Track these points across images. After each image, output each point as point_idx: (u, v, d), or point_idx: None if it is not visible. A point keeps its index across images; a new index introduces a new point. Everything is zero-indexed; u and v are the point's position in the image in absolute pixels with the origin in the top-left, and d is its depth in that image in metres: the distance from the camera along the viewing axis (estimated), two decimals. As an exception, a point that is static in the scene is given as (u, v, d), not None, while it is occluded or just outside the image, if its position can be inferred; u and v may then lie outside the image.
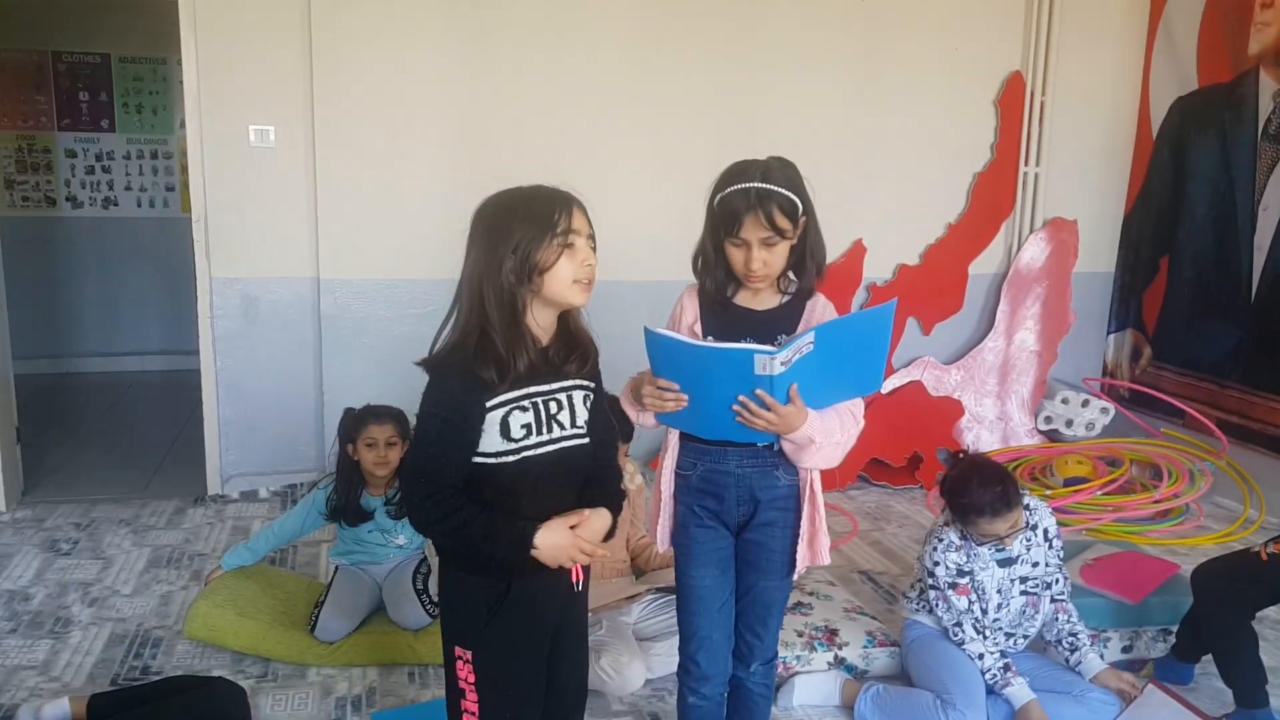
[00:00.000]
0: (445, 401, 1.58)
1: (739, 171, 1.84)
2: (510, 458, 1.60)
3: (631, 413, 1.88)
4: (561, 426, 1.65)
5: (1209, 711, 2.45)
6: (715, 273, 1.88)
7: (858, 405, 1.88)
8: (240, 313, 3.90)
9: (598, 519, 1.66)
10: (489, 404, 1.57)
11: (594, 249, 1.64)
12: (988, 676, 2.41)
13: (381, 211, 3.90)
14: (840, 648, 2.69)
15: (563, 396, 1.66)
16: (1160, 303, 4.62)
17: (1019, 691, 2.39)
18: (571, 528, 1.61)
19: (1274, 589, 2.41)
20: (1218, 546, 3.75)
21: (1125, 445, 4.35)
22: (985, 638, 2.46)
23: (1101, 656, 2.61)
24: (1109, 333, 4.88)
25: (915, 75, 4.29)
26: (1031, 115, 4.44)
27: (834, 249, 4.17)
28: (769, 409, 1.71)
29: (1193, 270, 4.43)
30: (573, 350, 1.68)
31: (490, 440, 1.59)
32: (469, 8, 3.84)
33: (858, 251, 4.36)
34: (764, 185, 1.79)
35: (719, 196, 1.84)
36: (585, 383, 1.71)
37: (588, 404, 1.71)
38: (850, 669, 2.68)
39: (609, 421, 1.77)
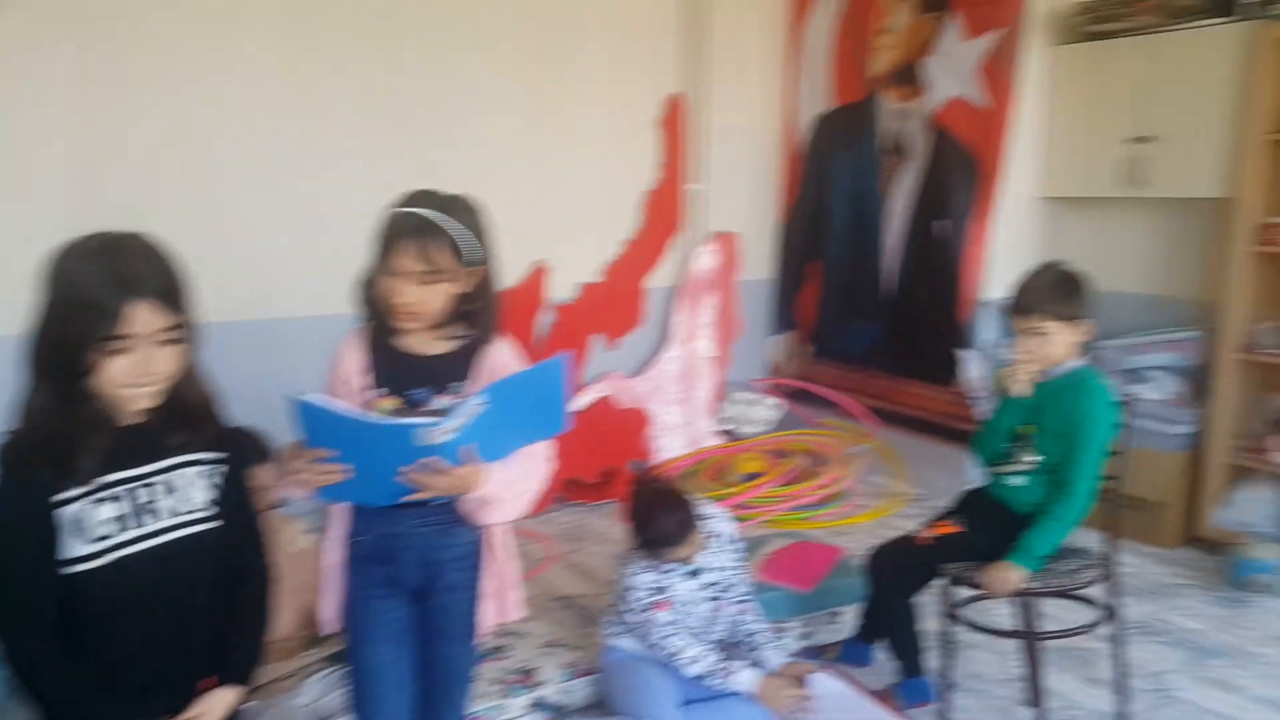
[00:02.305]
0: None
1: (414, 198, 1.72)
2: (97, 561, 1.35)
3: (284, 488, 1.70)
4: (159, 516, 1.40)
5: (877, 685, 2.70)
6: (376, 304, 1.75)
7: (545, 448, 1.81)
8: None
9: (218, 704, 1.44)
10: (55, 499, 1.32)
11: (179, 341, 1.37)
12: (710, 677, 2.42)
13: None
14: (538, 687, 2.66)
15: (164, 479, 1.42)
16: (814, 304, 5.05)
17: (747, 677, 2.41)
18: None
19: (932, 570, 2.61)
20: (875, 523, 4.15)
21: (792, 437, 4.72)
22: (691, 648, 2.54)
23: (783, 650, 2.78)
24: (772, 334, 5.27)
25: (583, 98, 4.38)
26: (691, 135, 4.68)
27: (515, 272, 4.28)
28: (441, 474, 1.61)
29: (838, 273, 4.89)
30: (178, 418, 1.43)
31: (71, 544, 1.34)
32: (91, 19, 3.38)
33: (539, 273, 4.39)
34: (434, 215, 1.68)
35: (384, 217, 1.71)
36: (201, 456, 1.48)
37: (214, 480, 1.49)
38: (550, 708, 2.66)
39: (246, 500, 1.56)
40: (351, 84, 3.82)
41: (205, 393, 1.49)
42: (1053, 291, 2.35)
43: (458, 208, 1.72)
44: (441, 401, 1.77)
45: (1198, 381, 3.77)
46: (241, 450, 1.59)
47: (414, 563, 1.80)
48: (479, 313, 1.78)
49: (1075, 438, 2.34)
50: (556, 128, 4.34)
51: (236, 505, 1.52)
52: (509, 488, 1.73)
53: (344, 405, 1.66)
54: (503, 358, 1.82)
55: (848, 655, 2.92)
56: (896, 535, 2.80)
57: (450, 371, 1.79)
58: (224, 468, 1.50)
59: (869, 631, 2.88)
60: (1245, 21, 3.43)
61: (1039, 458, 2.43)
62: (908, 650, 2.69)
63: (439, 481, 1.61)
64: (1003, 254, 4.16)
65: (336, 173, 3.81)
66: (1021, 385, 2.41)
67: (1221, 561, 3.48)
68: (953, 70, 4.15)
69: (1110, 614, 2.51)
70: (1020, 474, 2.47)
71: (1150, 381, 3.83)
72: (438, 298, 1.71)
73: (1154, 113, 3.74)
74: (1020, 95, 3.97)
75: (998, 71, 3.98)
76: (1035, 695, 2.46)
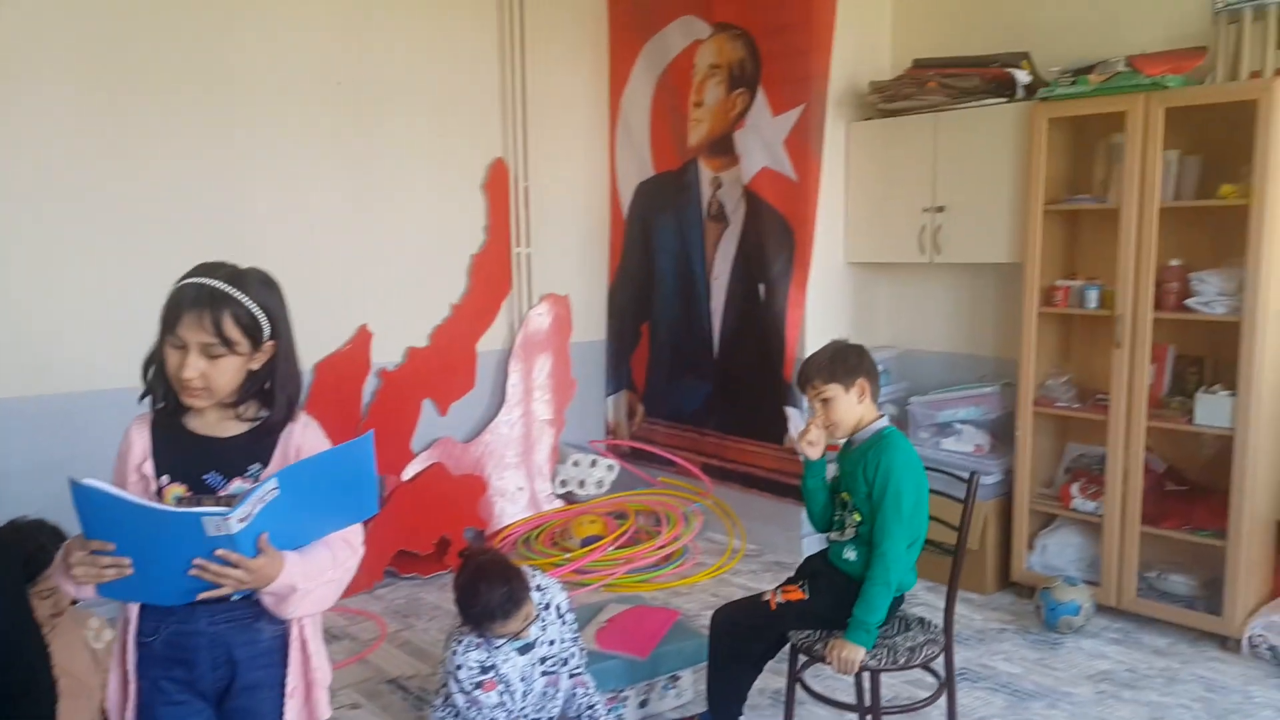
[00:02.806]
0: None
1: (204, 268, 1.65)
2: None
3: (66, 585, 1.58)
4: None
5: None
6: (164, 381, 1.66)
7: (354, 533, 1.75)
8: None
9: None
10: None
11: None
12: None
13: None
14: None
15: None
16: (646, 364, 5.13)
17: None
18: None
19: (782, 635, 2.64)
20: (715, 580, 4.22)
21: (629, 498, 4.74)
22: None
23: (620, 718, 2.77)
24: (607, 395, 5.31)
25: (407, 162, 4.34)
26: (517, 200, 4.71)
27: (339, 336, 4.16)
28: (235, 565, 1.53)
29: (668, 334, 4.99)
30: None
31: None
32: None
33: (364, 337, 4.28)
34: (222, 286, 1.61)
35: (173, 288, 1.64)
36: None
37: None
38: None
39: (14, 605, 1.45)
40: (159, 147, 3.66)
41: None
42: (829, 360, 2.55)
43: (248, 279, 1.66)
44: (235, 487, 1.69)
45: (1002, 433, 4.03)
46: (17, 548, 1.46)
47: (211, 663, 1.69)
48: (274, 390, 1.71)
49: (880, 500, 2.45)
50: (380, 191, 4.28)
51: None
52: (313, 577, 1.65)
53: (124, 492, 1.55)
54: (303, 438, 1.75)
55: None
56: (741, 596, 2.82)
57: (245, 454, 1.71)
58: None
59: (716, 707, 2.79)
60: (1022, 102, 3.76)
61: (858, 520, 2.53)
62: (725, 702, 2.70)
63: (233, 574, 1.53)
64: (818, 316, 4.36)
65: (141, 240, 3.63)
66: (812, 449, 2.60)
67: (1034, 604, 3.69)
68: (762, 143, 4.35)
69: (947, 685, 2.61)
70: (850, 541, 2.56)
71: (958, 434, 4.06)
72: (226, 373, 1.64)
73: (945, 185, 4.01)
74: (824, 167, 4.20)
75: (803, 145, 4.20)
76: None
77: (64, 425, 3.44)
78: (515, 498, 4.72)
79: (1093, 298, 3.61)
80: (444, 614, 3.90)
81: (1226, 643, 3.40)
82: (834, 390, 2.52)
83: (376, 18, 4.19)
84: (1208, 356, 3.50)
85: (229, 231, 3.80)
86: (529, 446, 4.81)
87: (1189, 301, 3.36)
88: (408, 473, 4.37)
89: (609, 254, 5.21)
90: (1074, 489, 3.74)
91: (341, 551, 1.72)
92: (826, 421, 2.56)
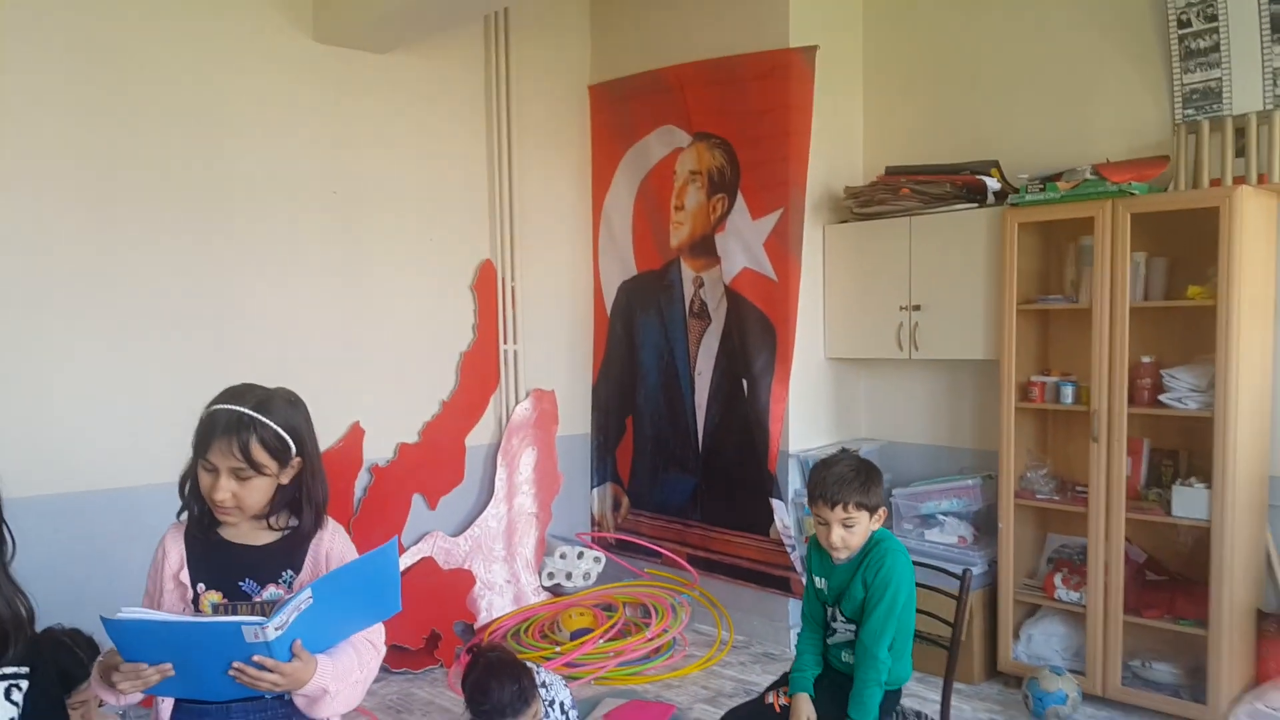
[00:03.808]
0: None
1: (231, 394, 1.75)
2: None
3: (106, 696, 1.62)
4: None
5: None
6: (198, 497, 1.75)
7: (377, 633, 1.82)
8: None
9: None
10: None
11: None
12: None
13: None
14: None
15: None
16: (630, 458, 5.20)
17: None
18: None
19: None
20: (704, 673, 4.22)
21: (617, 589, 4.76)
22: None
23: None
24: (592, 487, 5.35)
25: (398, 263, 4.45)
26: (505, 298, 4.82)
27: (333, 433, 4.20)
28: (270, 670, 1.59)
29: (652, 428, 5.07)
30: None
31: None
32: None
33: (356, 434, 4.32)
34: (249, 412, 1.70)
35: (204, 413, 1.73)
36: (10, 671, 1.40)
37: (14, 698, 1.42)
38: None
39: (56, 712, 1.50)
40: (160, 251, 3.75)
41: (14, 607, 1.41)
42: (858, 483, 2.52)
43: (274, 403, 1.75)
44: (270, 593, 1.77)
45: (984, 524, 4.13)
46: (53, 659, 1.50)
47: None
48: (304, 502, 1.80)
49: (877, 603, 2.50)
50: (373, 293, 4.38)
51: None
52: (343, 679, 1.72)
53: (160, 614, 1.63)
54: (331, 544, 1.84)
55: None
56: (746, 700, 2.83)
57: (278, 562, 1.79)
58: (25, 682, 1.43)
59: None
60: (993, 208, 3.96)
61: (852, 624, 2.58)
62: None
63: (269, 678, 1.59)
64: (800, 409, 4.47)
65: (145, 341, 3.69)
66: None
67: (1022, 694, 3.74)
68: (742, 245, 4.52)
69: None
70: (847, 644, 2.61)
71: (941, 526, 4.16)
72: (256, 493, 1.73)
73: (921, 284, 4.19)
74: (803, 267, 4.37)
75: (782, 246, 4.37)
76: None
77: (77, 523, 3.47)
78: (503, 590, 4.72)
79: (1068, 393, 3.76)
80: (436, 709, 3.86)
81: (1212, 731, 3.46)
82: (858, 516, 2.51)
83: (370, 126, 4.34)
84: (1182, 450, 3.65)
85: (229, 333, 3.89)
86: (516, 540, 4.82)
87: (1162, 397, 3.51)
88: (400, 566, 4.35)
89: (593, 350, 5.32)
90: (1057, 579, 3.82)
91: (366, 652, 1.78)
92: (840, 543, 2.53)
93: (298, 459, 1.77)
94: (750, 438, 4.55)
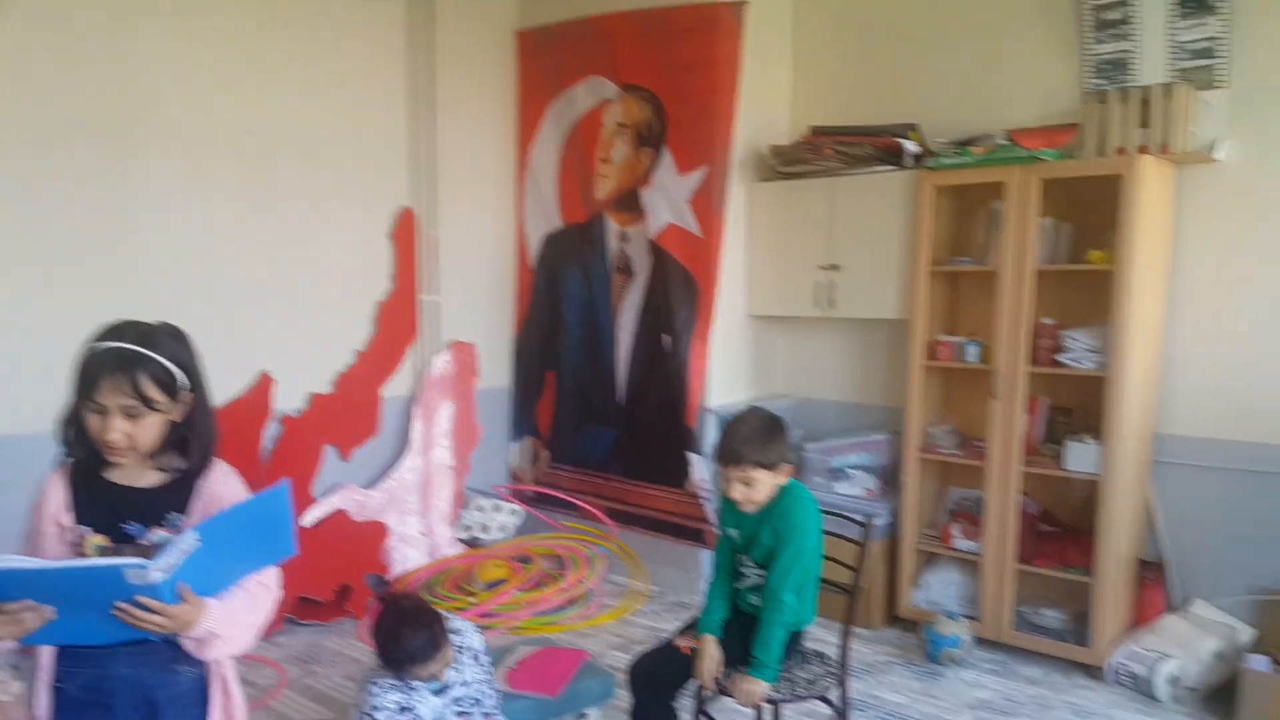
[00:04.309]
0: None
1: (114, 330, 1.68)
2: None
3: None
4: None
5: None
6: (84, 441, 1.69)
7: (270, 574, 1.79)
8: None
9: None
10: None
11: None
12: None
13: None
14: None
15: None
16: (551, 411, 5.21)
17: None
18: None
19: (688, 673, 2.72)
20: (619, 622, 4.29)
21: (534, 541, 4.79)
22: None
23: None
24: (511, 441, 5.35)
25: (313, 209, 4.34)
26: (424, 248, 4.76)
27: (240, 382, 4.12)
28: (155, 612, 1.54)
29: (573, 382, 5.09)
30: None
31: None
32: None
33: (265, 383, 4.23)
34: (135, 348, 1.65)
35: (83, 352, 1.66)
36: None
37: None
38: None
39: None
40: (60, 192, 3.58)
41: None
42: (758, 442, 2.58)
43: (158, 336, 1.70)
44: (156, 535, 1.72)
45: (890, 478, 4.27)
46: None
47: (129, 706, 1.70)
48: (192, 440, 1.76)
49: (783, 549, 2.58)
50: (285, 238, 4.27)
51: None
52: (233, 622, 1.69)
53: (36, 560, 1.56)
54: (222, 486, 1.79)
55: None
56: (655, 644, 2.90)
57: (165, 504, 1.75)
58: None
59: None
60: (910, 170, 4.05)
61: (761, 570, 2.66)
62: None
63: (153, 620, 1.55)
64: (720, 365, 4.54)
65: (44, 284, 3.54)
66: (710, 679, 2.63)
67: (919, 638, 3.90)
68: (668, 200, 4.54)
69: (842, 715, 2.74)
70: (754, 588, 2.69)
71: (850, 479, 4.28)
72: (150, 430, 1.68)
73: (840, 244, 4.27)
74: (727, 225, 4.41)
75: (707, 203, 4.41)
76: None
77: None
78: (417, 543, 4.71)
79: (973, 353, 3.88)
80: (346, 659, 3.86)
81: (1093, 671, 3.66)
82: (758, 474, 2.57)
83: (286, 68, 4.21)
84: (1077, 408, 3.81)
85: (131, 277, 3.75)
86: (432, 492, 4.81)
87: (1060, 357, 3.66)
88: (308, 519, 4.32)
89: (515, 303, 5.30)
90: (955, 530, 3.98)
91: (259, 594, 1.76)
92: (742, 498, 2.61)
93: (189, 393, 1.72)
94: (671, 393, 4.60)
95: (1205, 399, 3.70)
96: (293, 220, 4.29)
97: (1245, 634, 3.58)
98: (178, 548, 1.54)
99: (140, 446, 1.67)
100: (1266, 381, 3.57)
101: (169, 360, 1.67)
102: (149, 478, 1.75)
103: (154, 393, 1.65)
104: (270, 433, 4.28)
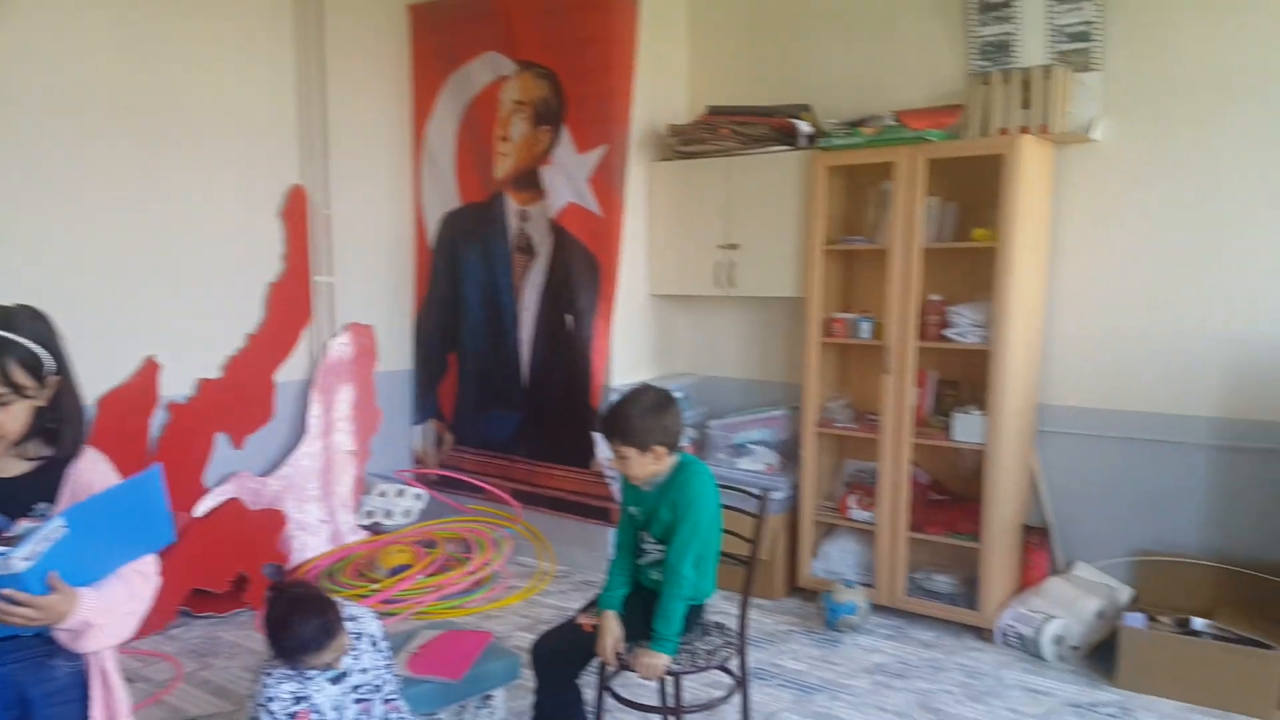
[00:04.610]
0: None
1: None
2: None
3: None
4: None
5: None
6: None
7: (147, 563, 1.74)
8: None
9: None
10: None
11: None
12: None
13: None
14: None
15: None
16: (454, 394, 5.16)
17: None
18: None
19: (590, 651, 2.73)
20: (526, 603, 4.29)
21: (439, 526, 4.74)
22: None
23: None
24: (414, 424, 5.29)
25: (199, 187, 4.20)
26: (318, 227, 4.64)
27: (125, 368, 3.96)
28: (23, 604, 1.49)
29: (476, 364, 5.04)
30: None
31: None
32: None
33: (151, 369, 4.09)
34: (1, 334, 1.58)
35: None
36: None
37: None
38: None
39: None
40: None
41: None
42: (637, 422, 2.59)
43: (19, 319, 1.64)
44: (22, 528, 1.65)
45: (789, 452, 4.35)
46: None
47: (2, 705, 1.64)
48: (62, 426, 1.70)
49: (677, 522, 2.62)
50: (169, 217, 4.12)
51: None
52: (109, 611, 1.64)
53: None
54: (91, 473, 1.74)
55: None
56: (558, 623, 2.90)
57: (31, 493, 1.69)
58: None
59: (540, 718, 2.94)
60: (804, 151, 4.11)
61: (661, 545, 2.69)
62: None
63: (20, 613, 1.50)
64: (623, 345, 4.55)
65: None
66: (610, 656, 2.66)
67: (817, 607, 4.00)
68: (568, 179, 4.52)
69: (741, 683, 2.80)
70: (655, 563, 2.71)
71: (751, 454, 4.35)
72: (19, 417, 1.62)
73: (738, 224, 4.32)
74: (627, 204, 4.41)
75: (607, 182, 4.40)
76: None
77: None
78: (317, 530, 4.61)
79: (866, 329, 3.98)
80: (244, 651, 3.77)
81: (983, 633, 3.81)
82: (628, 452, 2.61)
83: (168, 38, 4.05)
84: (963, 381, 3.95)
85: (5, 259, 3.57)
86: (332, 478, 4.72)
87: (947, 332, 3.78)
88: (200, 509, 4.19)
89: (415, 284, 5.21)
90: (851, 501, 4.09)
91: (137, 582, 1.71)
92: (625, 472, 2.66)
93: (55, 377, 1.66)
94: (574, 373, 4.60)
95: (1084, 370, 3.87)
96: (177, 200, 4.14)
97: (1124, 593, 3.77)
98: (42, 535, 1.48)
99: (9, 434, 1.61)
100: (1140, 353, 3.75)
101: (34, 341, 1.61)
102: (13, 467, 1.68)
103: (22, 377, 1.59)
104: (158, 420, 4.14)
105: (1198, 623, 3.34)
